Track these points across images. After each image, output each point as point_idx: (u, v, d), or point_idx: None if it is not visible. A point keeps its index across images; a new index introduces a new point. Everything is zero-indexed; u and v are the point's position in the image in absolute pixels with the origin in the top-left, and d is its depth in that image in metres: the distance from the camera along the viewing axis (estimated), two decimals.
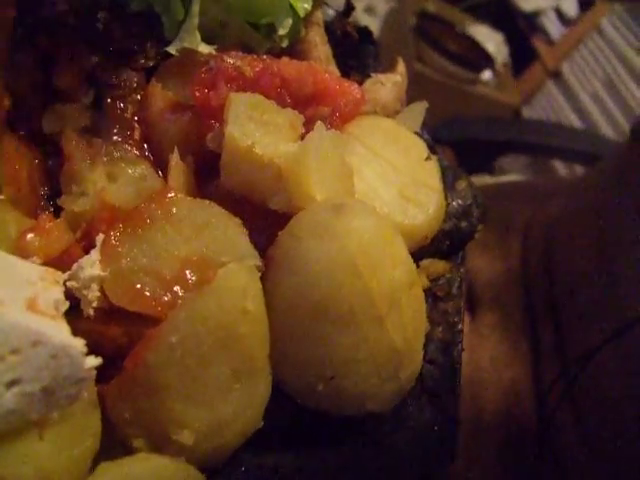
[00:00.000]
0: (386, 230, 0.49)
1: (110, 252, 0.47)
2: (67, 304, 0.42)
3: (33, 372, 0.37)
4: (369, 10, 2.81)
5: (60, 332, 0.38)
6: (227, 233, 0.48)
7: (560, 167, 2.54)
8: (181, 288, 0.46)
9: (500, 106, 2.88)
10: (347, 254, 0.46)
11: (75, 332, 0.42)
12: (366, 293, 0.46)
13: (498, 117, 2.71)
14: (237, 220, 0.49)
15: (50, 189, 0.57)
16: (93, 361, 0.39)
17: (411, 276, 0.51)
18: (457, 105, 2.68)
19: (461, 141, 1.97)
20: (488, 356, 0.91)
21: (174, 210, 0.48)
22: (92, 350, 0.42)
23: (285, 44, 0.63)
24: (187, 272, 0.46)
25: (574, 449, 0.81)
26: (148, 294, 0.45)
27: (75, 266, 0.47)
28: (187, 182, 0.54)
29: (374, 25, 2.76)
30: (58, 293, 0.41)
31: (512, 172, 2.43)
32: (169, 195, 0.50)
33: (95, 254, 0.47)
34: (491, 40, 2.78)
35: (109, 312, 0.47)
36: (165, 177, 0.54)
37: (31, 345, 0.37)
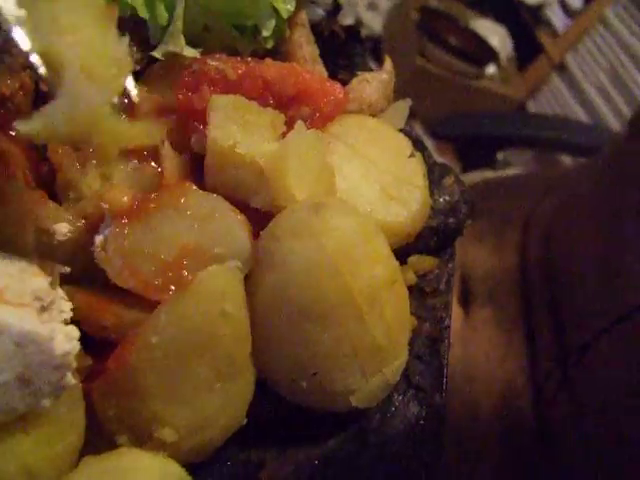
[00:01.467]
0: (366, 228, 0.50)
1: (117, 233, 0.49)
2: (53, 293, 0.43)
3: (1, 362, 0.38)
4: (371, 6, 2.81)
5: (23, 320, 0.39)
6: (229, 227, 0.49)
7: (566, 161, 2.52)
8: (174, 275, 0.47)
9: (505, 100, 2.87)
10: (326, 253, 0.46)
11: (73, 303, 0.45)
12: (346, 291, 0.47)
13: (500, 111, 2.70)
14: (242, 217, 0.50)
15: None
16: (66, 346, 0.40)
17: (392, 273, 0.52)
18: (461, 100, 2.68)
19: (463, 136, 1.97)
20: (482, 351, 0.91)
21: (182, 200, 0.50)
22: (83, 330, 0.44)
23: (269, 45, 0.63)
24: (183, 259, 0.48)
25: (572, 442, 0.81)
26: (143, 275, 0.47)
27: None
28: (182, 170, 0.54)
29: (376, 21, 2.76)
30: (38, 283, 0.42)
31: (517, 166, 2.42)
32: (180, 185, 0.51)
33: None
34: (495, 34, 2.76)
35: (109, 291, 0.48)
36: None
37: None
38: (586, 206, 0.93)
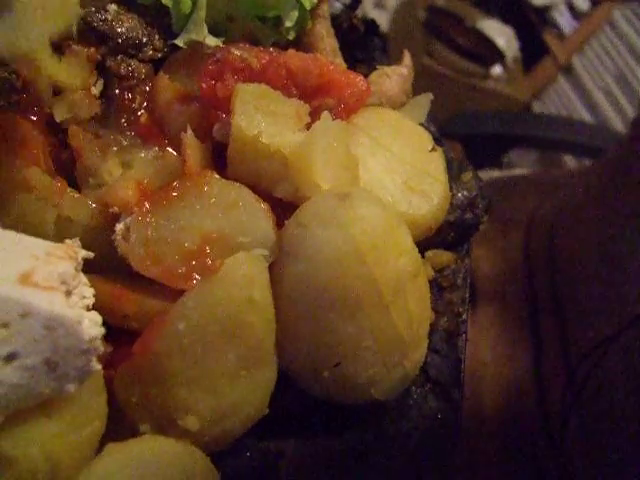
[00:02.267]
0: (391, 219, 0.50)
1: (139, 221, 0.48)
2: (78, 277, 0.43)
3: (29, 345, 0.38)
4: (378, 4, 2.80)
5: (52, 303, 0.39)
6: (252, 216, 0.49)
7: (571, 162, 2.52)
8: (198, 263, 0.47)
9: (510, 101, 2.86)
10: (352, 242, 0.46)
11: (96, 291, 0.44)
12: (371, 281, 0.47)
13: (507, 111, 2.69)
14: (265, 206, 0.50)
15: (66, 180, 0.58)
16: (92, 331, 0.40)
17: (416, 265, 0.51)
18: (467, 100, 2.67)
19: (470, 135, 1.96)
20: (489, 350, 0.91)
21: (206, 188, 0.49)
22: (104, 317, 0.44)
23: (291, 36, 0.63)
24: (207, 248, 0.48)
25: (576, 442, 0.81)
26: (166, 263, 0.47)
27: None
28: (204, 159, 0.54)
29: (383, 19, 2.75)
30: (65, 267, 0.41)
31: (522, 167, 2.42)
32: (203, 174, 0.51)
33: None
34: (501, 34, 2.75)
35: (129, 279, 0.49)
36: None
37: (20, 317, 0.38)
38: (590, 207, 0.93)
